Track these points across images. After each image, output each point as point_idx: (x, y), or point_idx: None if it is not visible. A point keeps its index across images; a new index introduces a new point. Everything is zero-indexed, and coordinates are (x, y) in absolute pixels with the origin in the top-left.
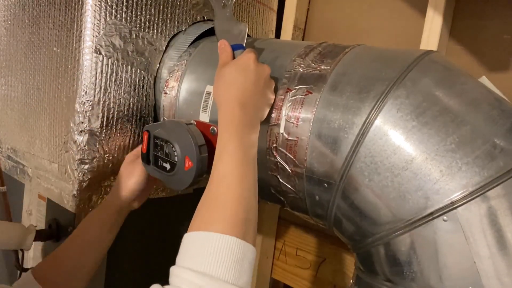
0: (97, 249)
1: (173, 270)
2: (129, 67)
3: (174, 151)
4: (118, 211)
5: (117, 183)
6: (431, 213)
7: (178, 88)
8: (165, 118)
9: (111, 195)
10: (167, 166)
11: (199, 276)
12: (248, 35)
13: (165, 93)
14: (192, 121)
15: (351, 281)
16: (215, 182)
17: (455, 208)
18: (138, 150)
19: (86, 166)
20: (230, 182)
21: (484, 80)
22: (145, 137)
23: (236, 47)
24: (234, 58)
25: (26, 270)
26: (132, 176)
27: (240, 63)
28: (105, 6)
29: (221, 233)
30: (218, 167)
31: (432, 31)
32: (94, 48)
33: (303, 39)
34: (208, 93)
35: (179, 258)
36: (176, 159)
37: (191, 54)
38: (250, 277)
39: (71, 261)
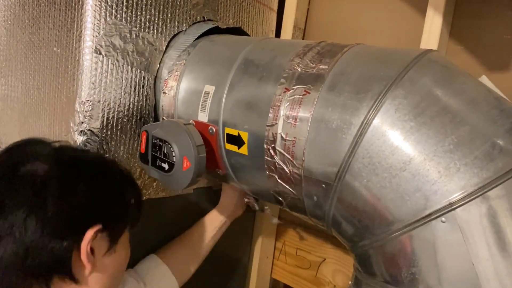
0: (209, 244)
1: None
2: (129, 67)
3: (172, 151)
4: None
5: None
6: (430, 214)
7: (177, 87)
8: (164, 118)
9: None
10: (166, 166)
11: None
12: (247, 34)
13: (164, 93)
14: (190, 121)
15: (350, 282)
16: None
17: (454, 209)
18: None
19: None
20: None
21: (484, 79)
22: (144, 137)
23: None
24: None
25: None
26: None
27: None
28: (105, 6)
29: None
30: None
31: (432, 31)
32: (94, 48)
33: (303, 39)
34: (207, 93)
35: None
36: (174, 159)
37: (190, 53)
38: None
39: (189, 249)
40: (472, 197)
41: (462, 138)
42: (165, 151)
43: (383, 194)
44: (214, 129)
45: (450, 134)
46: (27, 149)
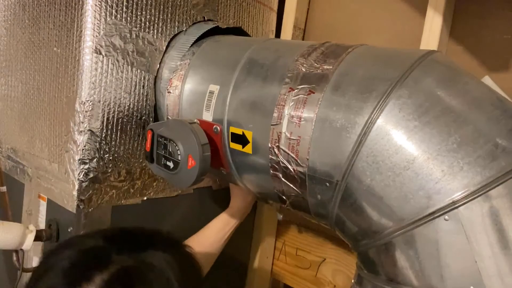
0: (222, 247)
1: None
2: (129, 67)
3: (177, 150)
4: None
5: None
6: (433, 213)
7: (181, 87)
8: (169, 117)
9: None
10: (171, 164)
11: None
12: (248, 34)
13: (169, 92)
14: (195, 120)
15: (352, 280)
16: None
17: (457, 207)
18: None
19: (86, 166)
20: None
21: (487, 80)
22: (149, 135)
23: None
24: None
25: (26, 270)
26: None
27: None
28: (105, 6)
29: None
30: None
31: (432, 31)
32: (94, 48)
33: (303, 39)
34: (211, 92)
35: None
36: (179, 158)
37: (194, 53)
38: None
39: (203, 254)
40: (475, 196)
41: (465, 138)
42: (170, 150)
43: (387, 193)
44: (218, 128)
45: (453, 133)
46: (79, 264)
